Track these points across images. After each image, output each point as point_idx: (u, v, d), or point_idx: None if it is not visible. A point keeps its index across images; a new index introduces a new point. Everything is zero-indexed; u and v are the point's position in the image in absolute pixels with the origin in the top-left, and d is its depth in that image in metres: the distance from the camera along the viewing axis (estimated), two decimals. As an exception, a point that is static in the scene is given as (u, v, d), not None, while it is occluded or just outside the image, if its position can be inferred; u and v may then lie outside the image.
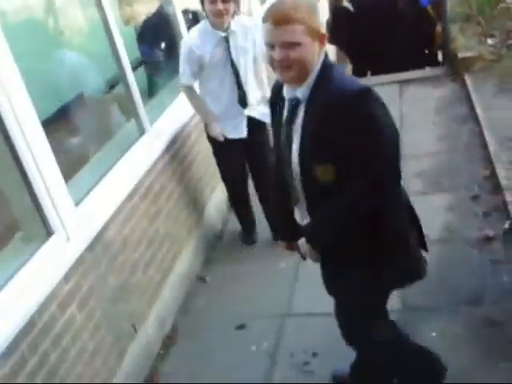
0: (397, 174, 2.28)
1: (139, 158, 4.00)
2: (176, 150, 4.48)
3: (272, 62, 2.22)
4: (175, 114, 4.67)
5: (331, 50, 10.81)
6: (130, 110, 4.22)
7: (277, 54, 2.17)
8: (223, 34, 4.06)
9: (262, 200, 4.68)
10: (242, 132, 4.32)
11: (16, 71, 2.87)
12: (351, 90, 2.17)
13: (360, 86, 2.19)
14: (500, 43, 7.36)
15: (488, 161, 5.07)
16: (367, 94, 2.16)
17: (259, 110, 4.28)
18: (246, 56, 4.16)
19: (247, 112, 4.27)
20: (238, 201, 4.79)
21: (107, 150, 3.99)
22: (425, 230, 2.58)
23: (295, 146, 2.33)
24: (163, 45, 5.24)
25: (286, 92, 2.35)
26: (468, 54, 7.13)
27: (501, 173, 4.77)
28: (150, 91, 4.94)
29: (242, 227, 4.87)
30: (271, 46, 2.18)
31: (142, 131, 4.21)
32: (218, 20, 3.99)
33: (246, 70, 4.19)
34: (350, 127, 2.13)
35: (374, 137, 2.15)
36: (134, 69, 4.31)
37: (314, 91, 2.25)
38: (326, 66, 2.26)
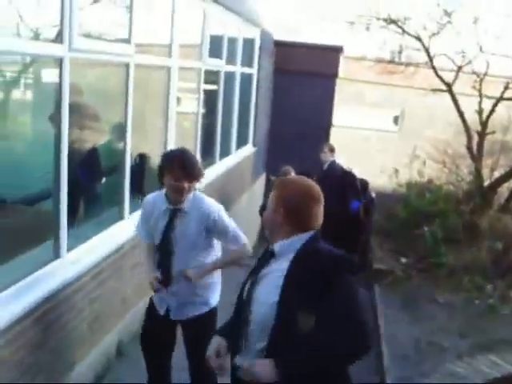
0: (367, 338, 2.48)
1: (45, 281, 3.86)
2: (85, 282, 4.37)
3: None
4: (96, 247, 4.60)
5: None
6: (50, 229, 4.13)
7: None
8: (171, 207, 3.83)
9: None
10: (161, 308, 4.01)
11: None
12: (328, 255, 2.59)
13: (335, 253, 2.61)
14: (411, 264, 7.82)
15: (380, 372, 5.15)
16: (341, 260, 2.58)
17: (187, 299, 3.94)
18: (187, 242, 3.85)
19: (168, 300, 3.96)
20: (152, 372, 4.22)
21: (17, 263, 3.82)
22: None
23: (269, 296, 2.56)
24: (104, 179, 5.31)
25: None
26: (381, 267, 7.51)
27: (390, 389, 4.85)
28: (74, 217, 4.90)
29: None
30: None
31: (57, 255, 4.10)
32: (176, 195, 3.75)
33: (187, 258, 3.86)
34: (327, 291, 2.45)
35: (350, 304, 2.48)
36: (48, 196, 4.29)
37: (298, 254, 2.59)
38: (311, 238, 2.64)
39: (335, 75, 13.57)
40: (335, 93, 13.61)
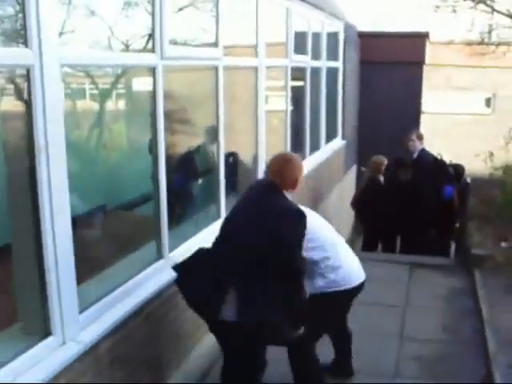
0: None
1: (151, 281, 4.08)
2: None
3: None
4: (196, 246, 4.75)
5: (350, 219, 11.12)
6: (152, 231, 4.34)
7: None
8: None
9: None
10: None
11: (65, 174, 3.09)
12: None
13: None
14: (512, 248, 7.60)
15: (486, 359, 5.07)
16: None
17: None
18: None
19: None
20: None
21: (123, 265, 4.05)
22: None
23: None
24: (200, 180, 5.49)
25: None
26: (481, 252, 7.35)
27: (497, 375, 4.76)
28: (173, 219, 5.09)
29: None
30: None
31: (160, 255, 4.31)
32: None
33: None
34: None
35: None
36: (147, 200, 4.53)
37: None
38: None
39: (422, 62, 13.34)
40: (423, 80, 13.38)
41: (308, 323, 3.77)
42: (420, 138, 8.59)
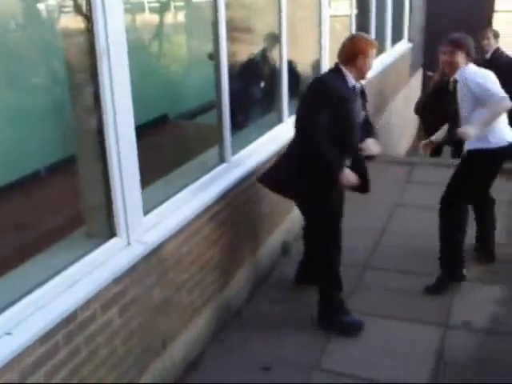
0: None
1: (214, 184, 4.12)
2: (250, 183, 4.56)
3: None
4: (258, 150, 4.81)
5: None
6: (214, 138, 4.35)
7: None
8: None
9: None
10: None
11: (127, 77, 3.10)
12: None
13: None
14: None
15: None
16: None
17: None
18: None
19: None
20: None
21: (186, 170, 4.12)
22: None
23: None
24: (262, 84, 5.43)
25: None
26: None
27: None
28: (235, 125, 5.10)
29: None
30: None
31: (222, 159, 4.34)
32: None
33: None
34: None
35: None
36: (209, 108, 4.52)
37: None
38: None
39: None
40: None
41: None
42: (496, 36, 8.05)
